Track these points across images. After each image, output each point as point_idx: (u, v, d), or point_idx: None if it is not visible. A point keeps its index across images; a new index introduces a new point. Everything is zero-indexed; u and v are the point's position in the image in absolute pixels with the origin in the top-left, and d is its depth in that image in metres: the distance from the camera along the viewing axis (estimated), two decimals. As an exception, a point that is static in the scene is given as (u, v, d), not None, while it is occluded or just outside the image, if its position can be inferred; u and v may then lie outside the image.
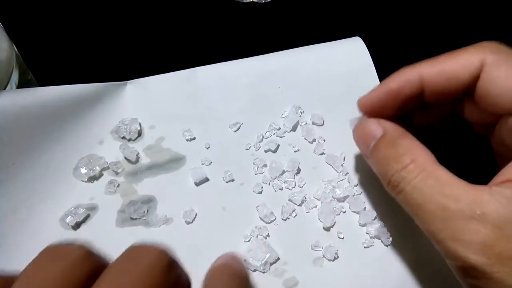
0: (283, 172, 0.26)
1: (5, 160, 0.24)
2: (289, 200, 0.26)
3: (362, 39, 0.30)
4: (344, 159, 0.27)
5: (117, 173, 0.26)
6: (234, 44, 0.33)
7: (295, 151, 0.27)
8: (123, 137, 0.27)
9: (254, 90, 0.29)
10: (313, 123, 0.28)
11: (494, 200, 0.17)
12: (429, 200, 0.18)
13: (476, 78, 0.19)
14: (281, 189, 0.26)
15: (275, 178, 0.26)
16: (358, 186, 0.26)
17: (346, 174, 0.26)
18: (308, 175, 0.26)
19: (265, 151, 0.27)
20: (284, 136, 0.28)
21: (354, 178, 0.26)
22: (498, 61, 0.19)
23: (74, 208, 0.25)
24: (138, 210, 0.25)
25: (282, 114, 0.28)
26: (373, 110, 0.22)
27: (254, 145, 0.27)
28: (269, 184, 0.26)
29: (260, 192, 0.26)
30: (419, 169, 0.18)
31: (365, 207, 0.25)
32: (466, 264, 0.17)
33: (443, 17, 0.35)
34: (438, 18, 0.35)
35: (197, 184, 0.26)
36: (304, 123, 0.28)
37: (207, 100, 0.28)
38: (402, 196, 0.19)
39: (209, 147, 0.27)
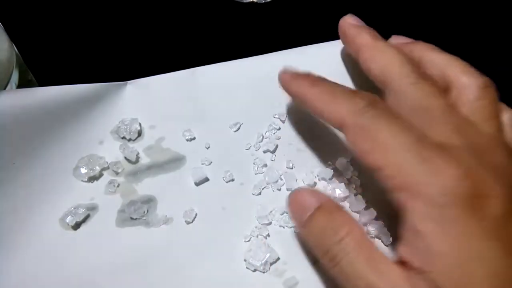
0: (280, 175, 0.26)
1: (5, 160, 0.24)
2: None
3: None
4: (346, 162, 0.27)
5: (117, 173, 0.26)
6: (234, 44, 0.33)
7: (295, 151, 0.27)
8: (123, 137, 0.27)
9: (254, 90, 0.29)
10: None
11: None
12: (360, 276, 0.18)
13: None
14: (279, 190, 0.26)
15: (274, 182, 0.26)
16: (358, 186, 0.26)
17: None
18: (308, 175, 0.26)
19: (264, 152, 0.27)
20: (282, 137, 0.27)
21: (355, 178, 0.26)
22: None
23: (74, 208, 0.25)
24: (138, 210, 0.25)
25: (282, 117, 0.28)
26: None
27: (254, 145, 0.27)
28: (269, 184, 0.26)
29: (260, 192, 0.26)
30: (354, 242, 0.19)
31: (365, 207, 0.25)
32: None
33: (443, 17, 0.35)
34: (438, 18, 0.35)
35: (197, 184, 0.26)
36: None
37: (207, 100, 0.28)
38: (337, 269, 0.19)
39: (209, 147, 0.27)
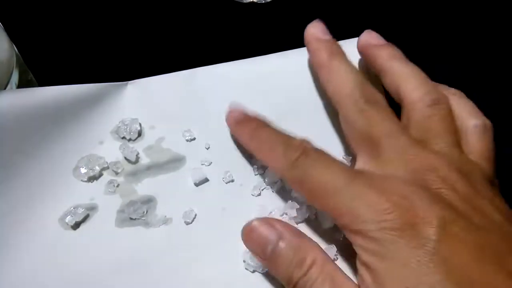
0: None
1: (5, 160, 0.24)
2: (289, 201, 0.26)
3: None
4: (343, 158, 0.27)
5: (117, 173, 0.26)
6: (234, 45, 0.33)
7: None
8: (123, 137, 0.27)
9: (254, 90, 0.29)
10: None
11: None
12: None
13: None
14: (279, 191, 0.26)
15: (274, 183, 0.26)
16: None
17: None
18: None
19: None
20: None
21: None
22: None
23: (74, 208, 0.25)
24: (137, 210, 0.25)
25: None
26: None
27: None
28: (268, 185, 0.26)
29: (260, 193, 0.26)
30: (319, 270, 0.20)
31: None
32: None
33: (443, 18, 0.35)
34: (439, 19, 0.35)
35: (196, 185, 0.26)
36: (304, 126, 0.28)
37: (208, 101, 0.28)
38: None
39: (209, 148, 0.27)
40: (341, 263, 0.24)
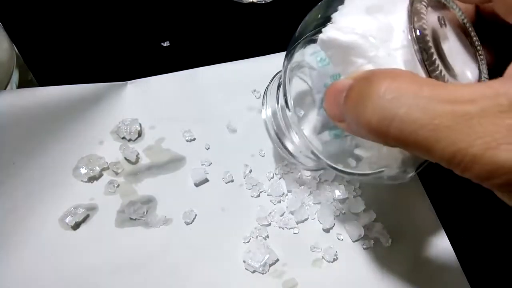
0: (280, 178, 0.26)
1: (5, 160, 0.24)
2: (289, 200, 0.26)
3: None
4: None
5: (117, 173, 0.26)
6: (235, 45, 0.33)
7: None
8: (123, 138, 0.27)
9: (255, 90, 0.29)
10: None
11: None
12: (439, 115, 0.13)
13: None
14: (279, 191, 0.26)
15: (277, 197, 0.26)
16: (358, 187, 0.26)
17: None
18: (309, 177, 0.26)
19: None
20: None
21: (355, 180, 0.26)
22: None
23: (74, 208, 0.25)
24: (137, 211, 0.25)
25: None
26: None
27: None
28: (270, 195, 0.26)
29: (259, 194, 0.26)
30: (409, 81, 0.14)
31: (364, 209, 0.25)
32: None
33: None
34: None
35: (196, 185, 0.26)
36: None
37: (208, 101, 0.28)
38: (397, 122, 0.14)
39: (209, 148, 0.27)
40: (341, 263, 0.24)
